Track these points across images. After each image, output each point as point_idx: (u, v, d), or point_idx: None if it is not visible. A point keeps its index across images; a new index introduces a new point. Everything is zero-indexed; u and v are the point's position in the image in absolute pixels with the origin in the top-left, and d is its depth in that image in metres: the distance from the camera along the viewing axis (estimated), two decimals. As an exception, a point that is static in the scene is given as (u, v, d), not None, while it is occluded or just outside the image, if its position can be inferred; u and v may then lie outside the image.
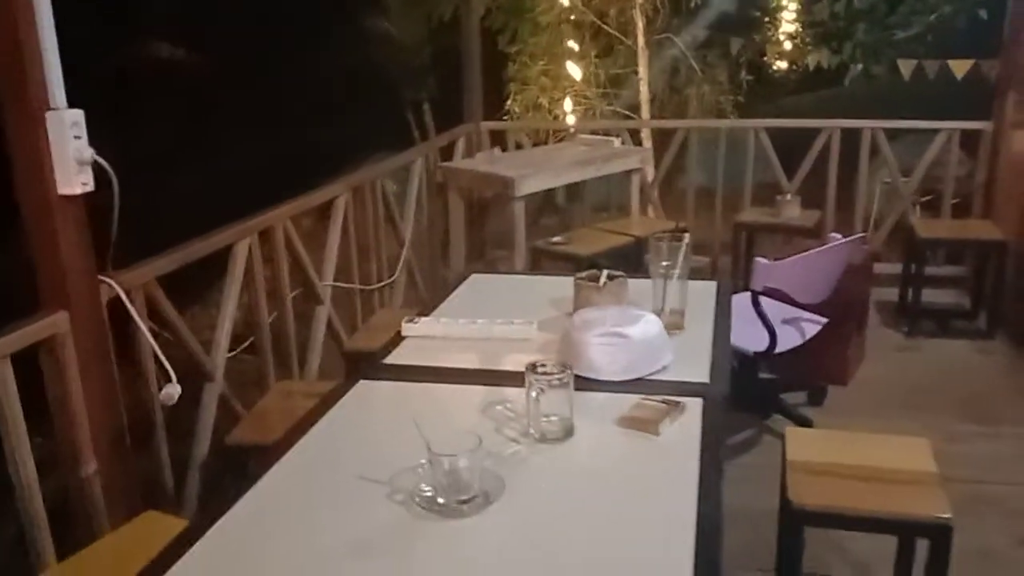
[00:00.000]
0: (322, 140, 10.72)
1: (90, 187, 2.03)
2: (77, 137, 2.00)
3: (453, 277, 4.77)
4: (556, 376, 1.56)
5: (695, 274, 2.19)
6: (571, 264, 4.29)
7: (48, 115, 1.96)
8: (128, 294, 2.26)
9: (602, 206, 5.95)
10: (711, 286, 2.47)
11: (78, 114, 2.00)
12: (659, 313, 2.07)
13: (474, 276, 2.69)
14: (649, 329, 1.88)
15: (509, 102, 8.00)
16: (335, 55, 11.30)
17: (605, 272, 2.21)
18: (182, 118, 10.36)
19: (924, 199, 5.47)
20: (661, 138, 5.98)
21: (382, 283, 4.03)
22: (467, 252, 4.95)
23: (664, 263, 2.11)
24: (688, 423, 1.62)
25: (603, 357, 1.82)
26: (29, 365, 2.05)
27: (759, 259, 3.13)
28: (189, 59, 11.67)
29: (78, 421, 2.11)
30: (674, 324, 2.08)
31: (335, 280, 3.54)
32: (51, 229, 2.01)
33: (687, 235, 2.12)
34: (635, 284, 2.22)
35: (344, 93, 11.31)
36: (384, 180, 4.12)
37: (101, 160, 2.03)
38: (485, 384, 1.82)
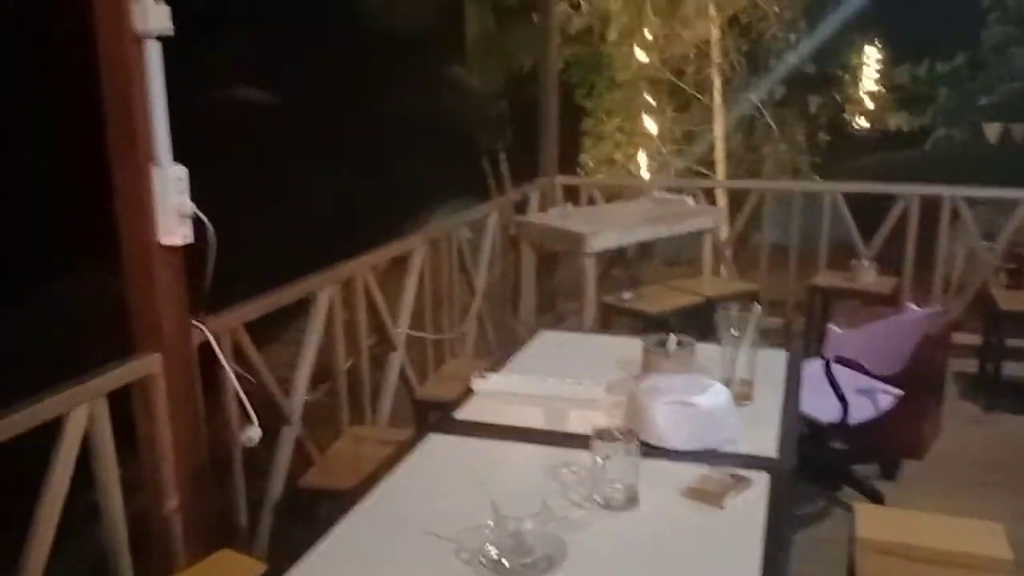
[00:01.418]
0: (402, 187, 10.99)
1: (189, 239, 2.16)
2: (180, 192, 2.14)
3: (522, 328, 4.84)
4: (622, 444, 1.59)
5: (767, 335, 2.19)
6: (640, 321, 4.31)
7: (154, 170, 2.10)
8: (216, 338, 2.38)
9: (673, 259, 5.97)
10: (781, 355, 2.46)
11: (182, 170, 2.14)
12: (728, 382, 2.09)
13: (543, 333, 2.74)
14: (717, 399, 1.89)
15: (583, 156, 8.13)
16: (416, 104, 11.62)
17: (673, 338, 2.23)
18: (266, 166, 10.77)
19: (1008, 267, 5.30)
20: (735, 196, 5.98)
21: (454, 332, 4.11)
22: (537, 304, 5.01)
23: (734, 332, 2.13)
24: (754, 498, 1.63)
25: (670, 425, 1.84)
26: (113, 400, 2.17)
27: (833, 327, 3.10)
28: (273, 107, 12.15)
29: (164, 459, 2.22)
30: (742, 395, 2.09)
31: (409, 328, 3.64)
32: (150, 277, 2.14)
33: (757, 305, 2.13)
34: (704, 349, 2.24)
35: (423, 141, 11.60)
36: (460, 231, 4.23)
37: (200, 214, 2.16)
38: (552, 445, 1.86)
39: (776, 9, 7.10)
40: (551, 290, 5.32)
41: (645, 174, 8.05)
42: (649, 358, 2.20)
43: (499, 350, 4.69)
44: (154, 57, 2.06)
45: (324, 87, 11.46)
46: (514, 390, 2.18)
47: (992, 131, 7.28)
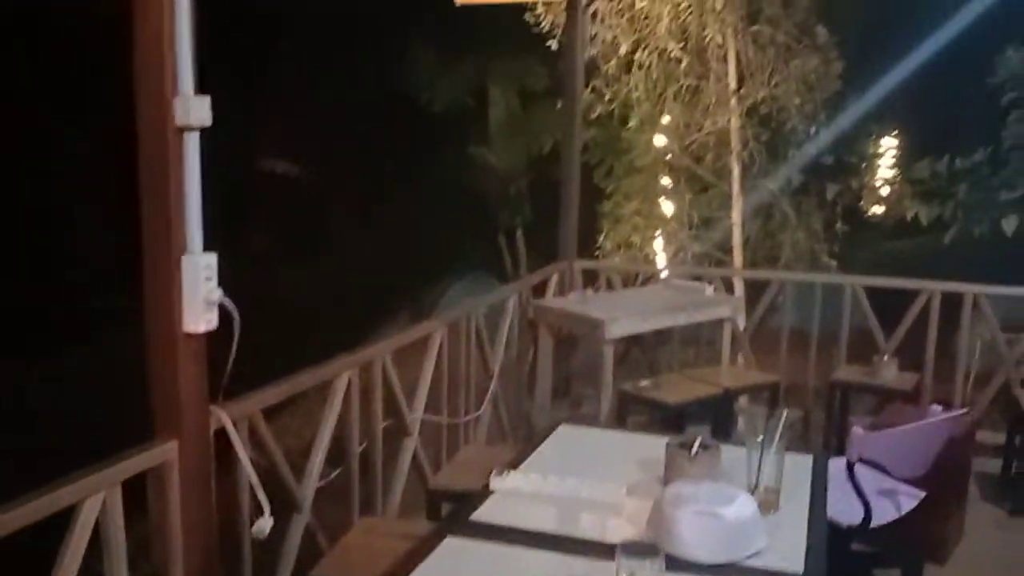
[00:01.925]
0: (423, 260, 11.11)
1: (214, 326, 2.17)
2: (208, 279, 2.15)
3: (538, 413, 4.80)
4: (649, 560, 1.54)
5: (788, 431, 2.16)
6: (658, 411, 4.26)
7: (184, 259, 2.12)
8: (234, 424, 2.36)
9: (690, 339, 5.93)
10: (807, 460, 2.42)
11: (211, 258, 2.16)
12: (753, 490, 2.04)
13: (562, 427, 2.70)
14: (743, 510, 1.85)
15: (602, 238, 8.17)
16: (440, 181, 11.82)
17: (698, 440, 2.20)
18: (292, 241, 10.92)
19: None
20: (754, 283, 5.97)
21: (468, 416, 4.07)
22: (554, 388, 4.97)
23: (759, 438, 2.09)
24: (782, 619, 1.57)
25: (695, 536, 1.80)
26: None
27: (855, 429, 3.05)
28: (299, 182, 12.39)
29: (173, 547, 2.18)
30: (768, 503, 2.05)
31: (425, 412, 3.61)
32: (173, 364, 2.14)
33: (785, 411, 2.10)
34: (727, 451, 2.20)
35: (445, 217, 11.76)
36: (479, 313, 4.23)
37: (227, 301, 2.17)
38: (573, 554, 1.81)
39: (797, 101, 7.21)
40: (568, 374, 5.28)
41: (662, 257, 8.08)
42: (673, 461, 2.16)
43: (513, 435, 4.65)
44: (192, 148, 2.10)
45: (348, 164, 11.72)
46: (533, 490, 2.14)
47: (1009, 225, 7.29)
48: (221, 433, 2.34)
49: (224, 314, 2.19)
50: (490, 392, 4.29)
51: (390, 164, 12.04)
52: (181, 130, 2.08)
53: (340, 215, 11.96)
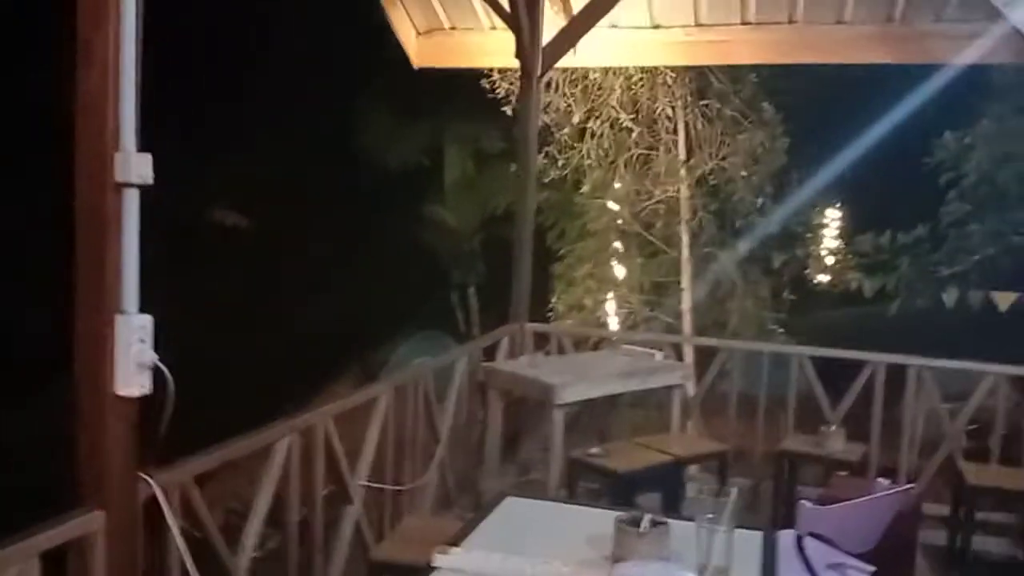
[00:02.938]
0: (372, 318, 10.99)
1: (147, 390, 2.07)
2: (142, 341, 2.06)
3: (486, 479, 4.70)
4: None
5: (737, 506, 2.12)
6: (608, 480, 4.21)
7: (118, 318, 2.04)
8: (165, 493, 2.25)
9: (638, 401, 5.92)
10: (757, 537, 2.37)
11: (146, 319, 2.08)
12: (703, 570, 1.99)
13: (509, 499, 2.62)
14: (693, 594, 1.79)
15: (554, 300, 8.20)
16: (392, 238, 11.78)
17: (647, 517, 2.15)
18: (236, 300, 10.71)
19: (971, 427, 5.30)
20: (703, 350, 6.01)
21: (414, 483, 3.96)
22: (502, 452, 4.89)
23: (709, 517, 2.05)
24: None
25: (643, 621, 1.73)
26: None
27: (803, 503, 3.03)
28: (249, 236, 12.24)
29: (93, 627, 2.04)
30: (718, 584, 1.99)
31: (368, 478, 3.50)
32: (101, 428, 2.04)
33: (735, 491, 2.07)
34: (677, 527, 2.15)
35: (396, 273, 11.70)
36: (427, 377, 4.15)
37: (161, 365, 2.08)
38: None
39: (744, 173, 7.40)
40: (517, 438, 5.21)
41: (614, 320, 8.12)
42: (622, 538, 2.11)
43: (460, 502, 4.54)
44: (131, 205, 2.04)
45: (300, 221, 11.64)
46: (476, 569, 2.06)
47: (950, 298, 7.50)
48: (151, 502, 2.22)
49: (159, 378, 2.10)
50: (437, 457, 4.20)
51: (343, 222, 11.99)
52: (120, 186, 2.01)
53: (291, 273, 11.81)
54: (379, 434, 3.60)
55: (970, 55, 5.02)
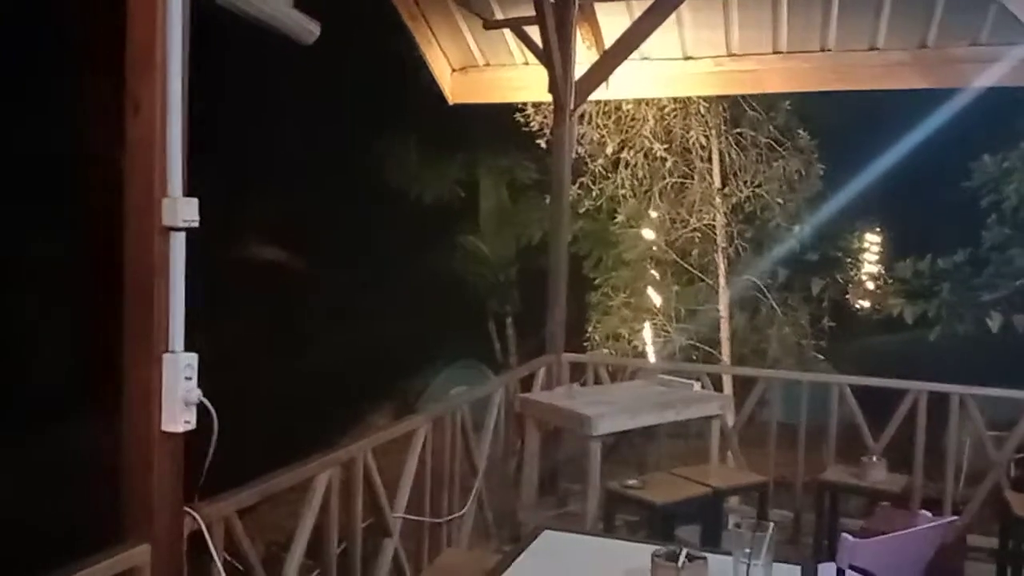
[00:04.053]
0: (411, 347, 11.08)
1: (192, 426, 2.13)
2: (188, 378, 2.13)
3: (524, 512, 4.70)
4: None
5: (775, 541, 2.11)
6: (646, 512, 4.19)
7: (165, 357, 2.11)
8: (209, 527, 2.30)
9: (677, 432, 5.88)
10: (796, 572, 2.36)
11: (192, 357, 2.14)
12: (740, 605, 1.99)
13: (546, 533, 2.64)
14: (730, 629, 1.79)
15: (590, 329, 8.20)
16: (431, 268, 11.89)
17: (685, 552, 2.15)
18: (276, 336, 10.88)
19: (1018, 456, 5.19)
20: (742, 381, 5.97)
21: (452, 516, 3.98)
22: (540, 484, 4.89)
23: (746, 551, 2.05)
24: None
25: (680, 657, 1.73)
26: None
27: (845, 536, 2.99)
28: (285, 280, 12.43)
29: (139, 660, 2.09)
30: (755, 620, 1.99)
31: (407, 511, 3.53)
32: (148, 464, 2.10)
33: (772, 525, 2.07)
34: (715, 562, 2.14)
35: (435, 305, 11.79)
36: (463, 408, 4.18)
37: (206, 401, 2.14)
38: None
39: (780, 200, 7.37)
40: (554, 469, 5.20)
41: (650, 348, 8.09)
42: (659, 573, 2.11)
43: (498, 535, 4.54)
44: (178, 249, 2.11)
45: (339, 255, 11.82)
46: (515, 602, 2.08)
47: (994, 323, 7.37)
48: (194, 536, 2.27)
49: (203, 414, 2.16)
50: (475, 489, 4.21)
51: (381, 254, 12.14)
52: (168, 230, 2.09)
53: (330, 306, 11.98)
54: (417, 466, 3.63)
55: (1006, 78, 4.98)
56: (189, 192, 2.15)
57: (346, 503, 3.09)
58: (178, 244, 2.12)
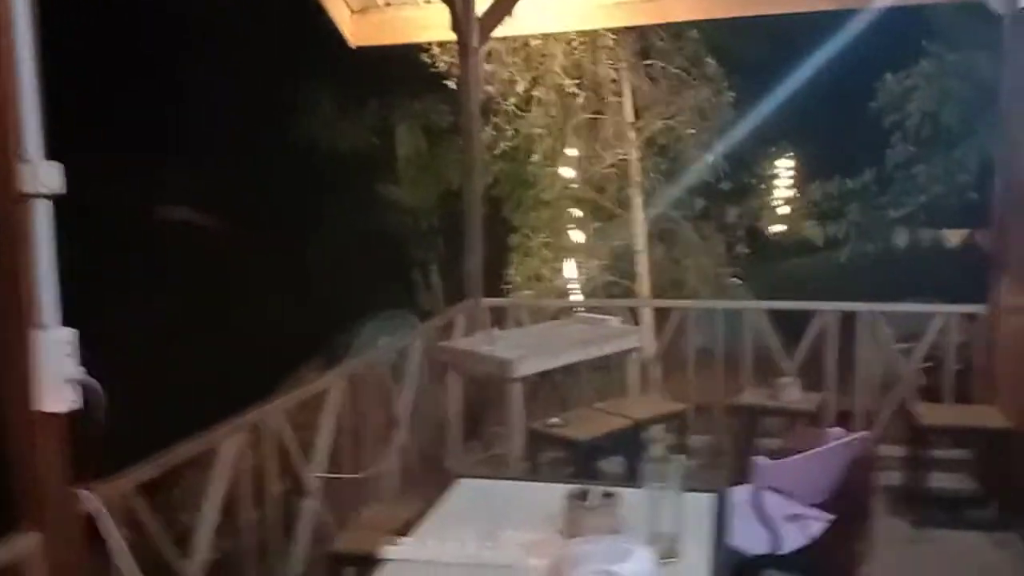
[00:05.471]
0: (336, 303, 10.89)
1: (76, 404, 2.01)
2: (66, 355, 2.00)
3: (450, 458, 4.70)
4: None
5: (696, 453, 2.13)
6: (569, 449, 4.22)
7: (36, 333, 1.97)
8: (108, 506, 2.20)
9: (600, 364, 5.94)
10: (709, 500, 2.39)
11: (69, 332, 2.02)
12: (653, 537, 2.00)
13: (463, 482, 2.61)
14: (641, 566, 1.80)
15: (512, 272, 8.17)
16: (347, 220, 11.64)
17: (597, 491, 2.16)
18: (188, 299, 10.51)
19: (925, 365, 5.38)
20: (662, 312, 6.03)
21: (373, 470, 3.94)
22: (466, 430, 4.88)
23: (657, 484, 2.06)
24: None
25: (592, 597, 1.74)
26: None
27: (758, 459, 3.06)
28: (195, 240, 11.99)
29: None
30: (668, 552, 2.00)
31: (326, 470, 3.47)
32: (30, 446, 1.98)
33: (682, 457, 2.08)
34: (629, 496, 2.15)
35: (354, 255, 11.58)
36: (380, 361, 4.11)
37: (90, 378, 2.02)
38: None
39: (692, 131, 7.39)
40: (479, 417, 5.20)
41: (572, 286, 8.12)
42: (571, 514, 2.11)
43: (424, 485, 4.52)
44: (42, 217, 1.97)
45: (251, 212, 11.46)
46: (428, 557, 2.05)
47: (900, 239, 7.60)
48: (92, 518, 2.17)
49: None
50: (396, 441, 4.17)
51: (297, 209, 11.82)
52: (28, 197, 1.94)
53: (247, 266, 11.64)
54: (334, 424, 3.56)
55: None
56: (53, 156, 1.99)
57: (258, 469, 3.01)
58: (42, 212, 1.97)
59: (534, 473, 4.31)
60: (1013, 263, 4.60)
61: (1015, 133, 4.57)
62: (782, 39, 7.76)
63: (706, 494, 2.43)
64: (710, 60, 7.57)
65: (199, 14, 10.41)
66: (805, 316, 5.13)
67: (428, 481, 4.55)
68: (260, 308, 10.87)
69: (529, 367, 4.32)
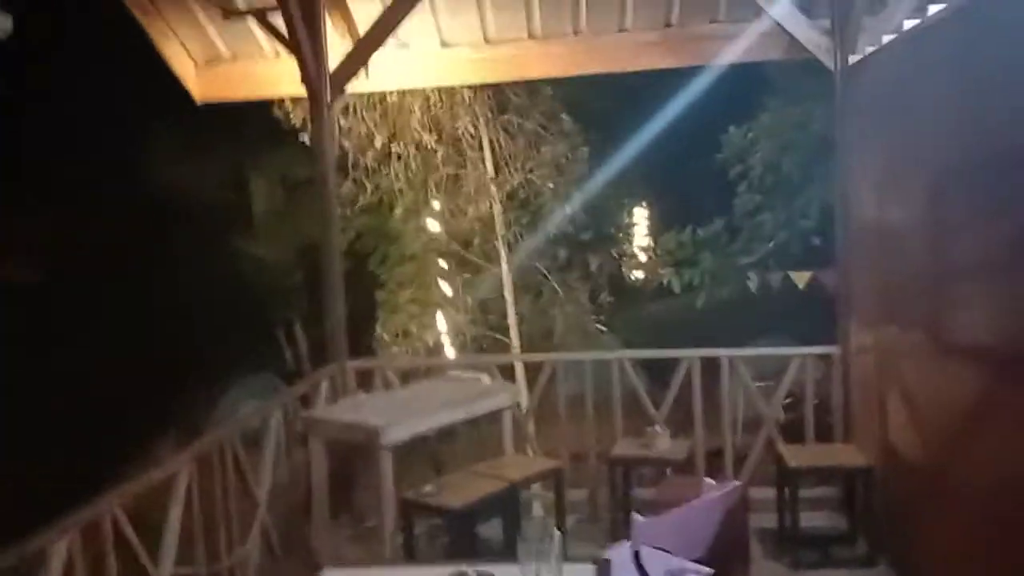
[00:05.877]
0: (190, 366, 10.28)
1: None
2: None
3: (317, 536, 4.40)
4: None
5: (572, 507, 2.03)
6: (445, 517, 4.04)
7: None
8: None
9: (476, 425, 5.81)
10: (588, 571, 2.29)
11: None
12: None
13: (325, 572, 2.40)
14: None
15: (379, 329, 7.96)
16: (202, 279, 11.07)
17: (472, 571, 2.03)
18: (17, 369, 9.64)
19: (787, 401, 5.53)
20: (533, 366, 5.99)
21: (232, 559, 3.62)
22: (334, 505, 4.60)
23: (534, 562, 1.94)
24: None
25: None
26: None
27: (635, 516, 2.99)
28: (34, 301, 11.10)
29: None
30: (549, 637, 1.88)
31: (176, 566, 3.14)
32: None
33: (557, 532, 1.97)
34: (507, 573, 2.03)
35: (207, 314, 11.00)
36: (235, 440, 3.82)
37: None
38: None
39: (551, 185, 7.50)
40: (349, 485, 4.93)
41: (444, 340, 7.99)
42: (447, 601, 1.96)
43: (290, 567, 4.21)
44: None
45: (94, 269, 10.72)
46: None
47: (753, 283, 7.92)
48: None
49: None
50: (256, 524, 3.87)
51: (147, 268, 11.15)
52: None
53: (91, 328, 10.81)
54: (183, 513, 3.25)
55: (745, 54, 5.26)
56: None
57: (97, 573, 2.68)
58: None
59: (409, 546, 4.10)
60: (857, 304, 4.83)
61: (849, 180, 4.84)
62: (633, 95, 8.04)
63: (584, 565, 2.34)
64: (565, 116, 7.74)
65: (42, 66, 9.80)
66: (669, 363, 5.20)
67: (294, 563, 4.26)
68: (113, 376, 10.09)
69: (399, 433, 4.14)
